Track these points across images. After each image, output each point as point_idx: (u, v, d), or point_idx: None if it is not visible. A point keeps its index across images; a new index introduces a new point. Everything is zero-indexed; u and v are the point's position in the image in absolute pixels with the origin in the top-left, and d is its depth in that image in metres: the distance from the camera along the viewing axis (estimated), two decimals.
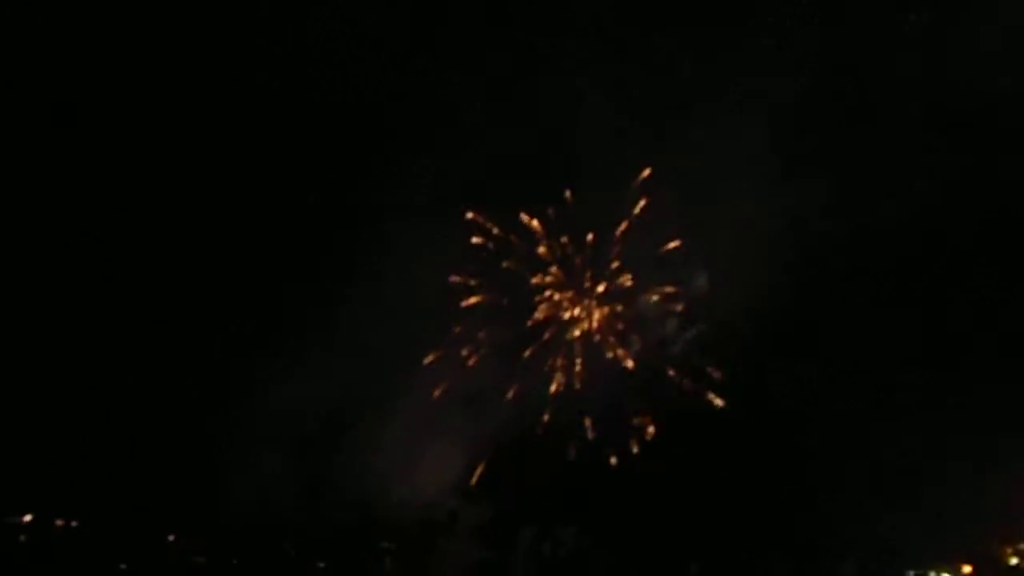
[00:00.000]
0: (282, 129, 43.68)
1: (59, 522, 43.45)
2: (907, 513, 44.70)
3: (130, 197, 43.36)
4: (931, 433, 45.13)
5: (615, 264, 45.36)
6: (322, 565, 43.74)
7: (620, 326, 45.75)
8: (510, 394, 43.72)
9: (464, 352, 44.06)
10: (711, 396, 43.90)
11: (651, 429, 43.95)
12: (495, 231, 44.58)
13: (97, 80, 42.44)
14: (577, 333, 45.18)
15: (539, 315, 45.20)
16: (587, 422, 43.99)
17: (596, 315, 45.43)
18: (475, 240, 44.69)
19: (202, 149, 43.19)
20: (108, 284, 43.14)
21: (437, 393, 43.51)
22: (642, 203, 44.24)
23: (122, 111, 42.98)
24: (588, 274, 45.50)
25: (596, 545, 43.71)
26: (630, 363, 44.85)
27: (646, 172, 44.14)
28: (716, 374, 44.40)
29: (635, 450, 43.66)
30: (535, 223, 44.67)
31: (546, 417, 43.72)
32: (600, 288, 45.44)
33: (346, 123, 44.45)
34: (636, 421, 43.70)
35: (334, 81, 43.30)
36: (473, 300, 44.74)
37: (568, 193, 43.97)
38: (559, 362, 44.41)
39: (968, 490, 43.89)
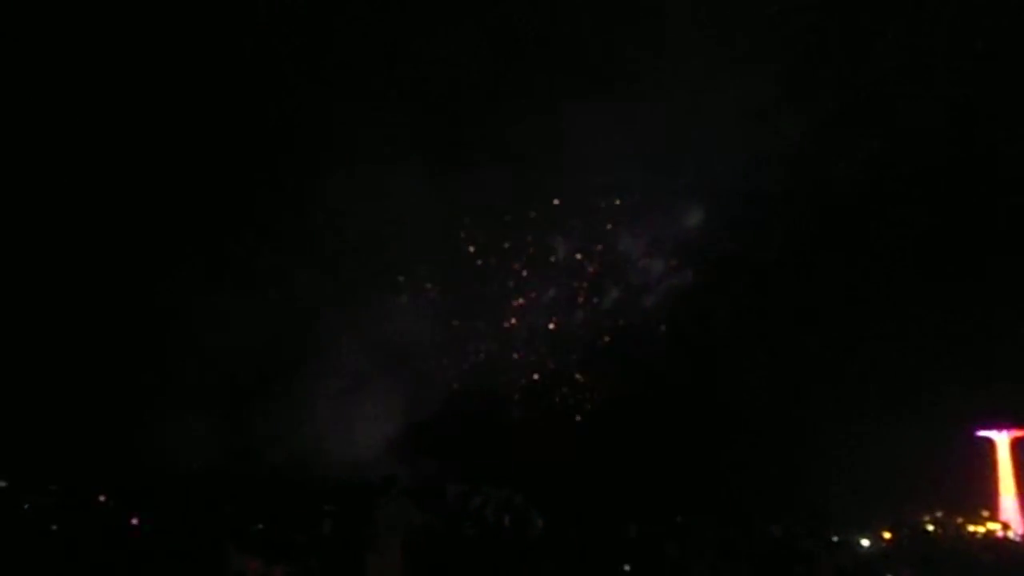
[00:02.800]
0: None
1: None
2: (832, 482, 46.49)
3: (57, 151, 42.20)
4: (855, 407, 47.00)
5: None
6: (260, 526, 42.86)
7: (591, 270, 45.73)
8: (448, 352, 43.63)
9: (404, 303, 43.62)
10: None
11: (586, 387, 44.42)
12: None
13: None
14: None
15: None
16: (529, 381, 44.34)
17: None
18: None
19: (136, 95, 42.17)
20: (36, 240, 42.03)
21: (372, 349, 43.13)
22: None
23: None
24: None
25: (532, 506, 44.07)
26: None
27: None
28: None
29: (576, 415, 44.25)
30: None
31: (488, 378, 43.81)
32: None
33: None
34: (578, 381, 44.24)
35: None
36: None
37: None
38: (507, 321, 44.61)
39: (889, 462, 45.87)
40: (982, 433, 56.65)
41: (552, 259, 47.67)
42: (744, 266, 46.90)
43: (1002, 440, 56.84)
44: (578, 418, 45.71)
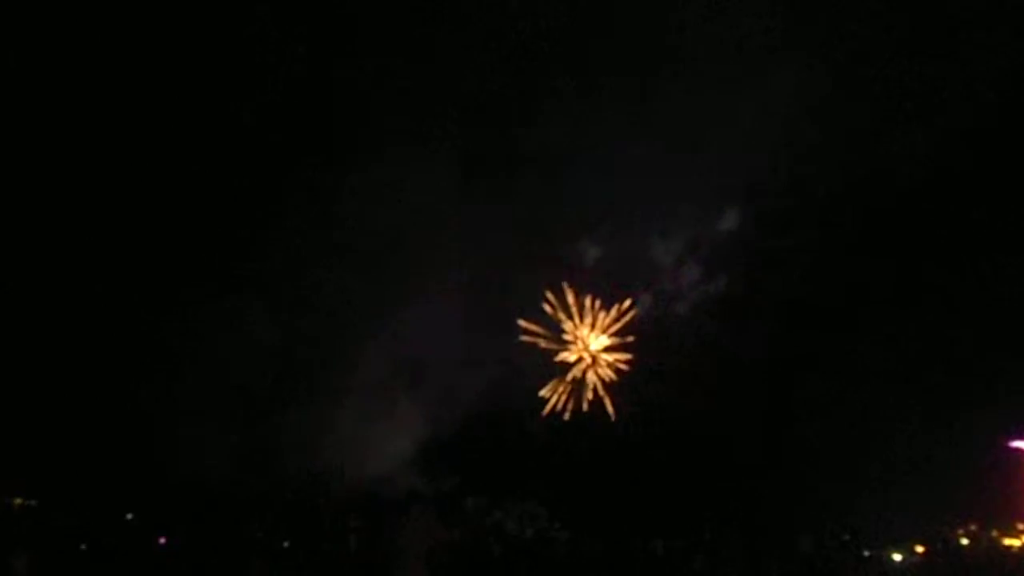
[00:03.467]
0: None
1: (18, 501, 42.65)
2: (862, 495, 45.74)
3: (58, 151, 42.05)
4: (889, 421, 46.30)
5: None
6: (286, 544, 43.15)
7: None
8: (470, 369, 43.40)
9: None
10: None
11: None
12: None
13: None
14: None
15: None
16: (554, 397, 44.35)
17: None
18: None
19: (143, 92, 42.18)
20: (40, 253, 41.74)
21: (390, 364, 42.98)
22: None
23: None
24: None
25: (556, 520, 43.92)
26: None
27: None
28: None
29: (598, 428, 44.11)
30: None
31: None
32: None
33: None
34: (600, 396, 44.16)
35: None
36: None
37: None
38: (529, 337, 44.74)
39: (922, 474, 45.08)
40: (1016, 444, 55.60)
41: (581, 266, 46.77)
42: (782, 269, 46.05)
43: None
44: (602, 428, 45.34)
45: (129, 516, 43.43)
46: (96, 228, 42.39)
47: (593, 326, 46.49)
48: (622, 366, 46.06)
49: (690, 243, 47.25)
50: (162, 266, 42.69)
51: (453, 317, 43.25)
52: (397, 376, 44.18)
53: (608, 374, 46.14)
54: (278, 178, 43.60)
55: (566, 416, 45.14)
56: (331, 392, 42.96)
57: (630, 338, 46.13)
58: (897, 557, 46.70)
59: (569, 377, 46.11)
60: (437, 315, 43.39)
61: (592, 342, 46.64)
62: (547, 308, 46.46)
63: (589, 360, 46.50)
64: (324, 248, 42.67)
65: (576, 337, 46.61)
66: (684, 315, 47.06)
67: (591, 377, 46.06)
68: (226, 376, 40.92)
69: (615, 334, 46.48)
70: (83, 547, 42.03)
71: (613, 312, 46.57)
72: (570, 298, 46.58)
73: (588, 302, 46.58)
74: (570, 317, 46.56)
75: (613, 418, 45.15)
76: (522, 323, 45.90)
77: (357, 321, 42.78)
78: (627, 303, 46.42)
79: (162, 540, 43.20)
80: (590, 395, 45.77)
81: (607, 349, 46.60)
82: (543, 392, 45.59)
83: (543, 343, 46.19)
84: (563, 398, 45.63)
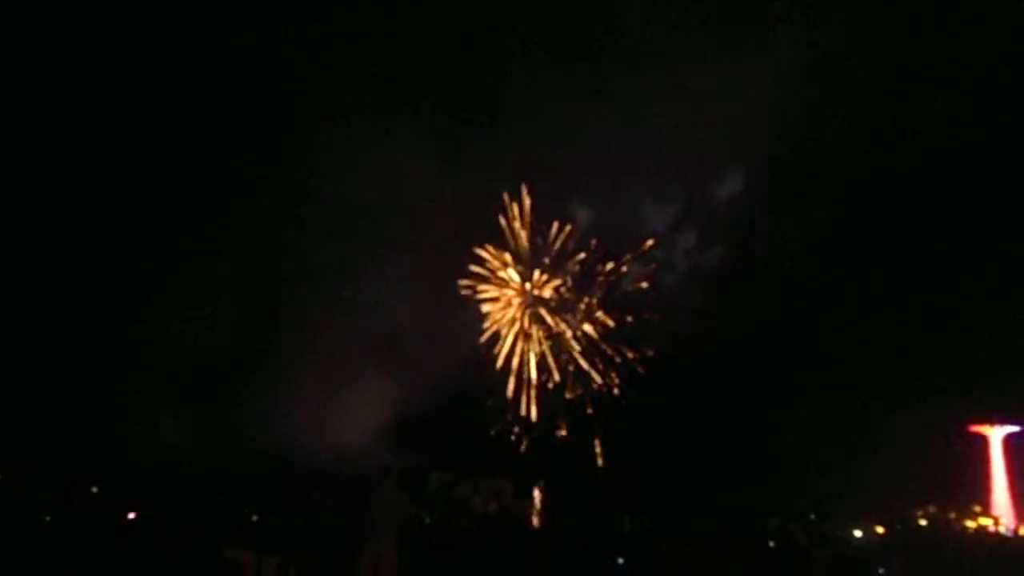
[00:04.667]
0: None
1: None
2: (829, 479, 46.55)
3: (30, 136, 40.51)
4: (849, 402, 46.96)
5: None
6: (255, 518, 42.71)
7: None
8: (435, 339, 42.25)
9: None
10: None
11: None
12: None
13: None
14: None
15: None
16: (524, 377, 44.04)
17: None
18: None
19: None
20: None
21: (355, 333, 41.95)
22: None
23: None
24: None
25: (522, 497, 43.82)
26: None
27: None
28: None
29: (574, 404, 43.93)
30: None
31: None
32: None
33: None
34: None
35: None
36: None
37: None
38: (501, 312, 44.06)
39: (883, 457, 45.95)
40: (975, 429, 56.96)
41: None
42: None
43: (995, 436, 57.19)
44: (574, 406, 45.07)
45: (94, 490, 42.74)
46: (52, 204, 41.08)
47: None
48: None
49: (686, 210, 45.73)
50: (120, 236, 41.42)
51: (424, 285, 41.74)
52: (364, 347, 43.12)
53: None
54: (237, 145, 41.87)
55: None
56: (294, 364, 41.97)
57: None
58: (857, 533, 47.79)
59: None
60: (405, 279, 41.70)
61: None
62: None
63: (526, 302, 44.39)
64: (286, 215, 40.99)
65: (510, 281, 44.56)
66: (671, 287, 45.84)
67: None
68: (186, 349, 39.86)
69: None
70: (47, 519, 41.44)
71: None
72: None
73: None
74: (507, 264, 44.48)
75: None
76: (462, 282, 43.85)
77: (321, 288, 41.12)
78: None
79: (131, 516, 42.61)
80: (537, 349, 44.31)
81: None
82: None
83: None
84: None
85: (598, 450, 43.47)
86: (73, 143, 40.85)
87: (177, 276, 40.76)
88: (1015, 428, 56.62)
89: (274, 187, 41.79)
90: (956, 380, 47.94)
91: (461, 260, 43.67)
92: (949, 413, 51.08)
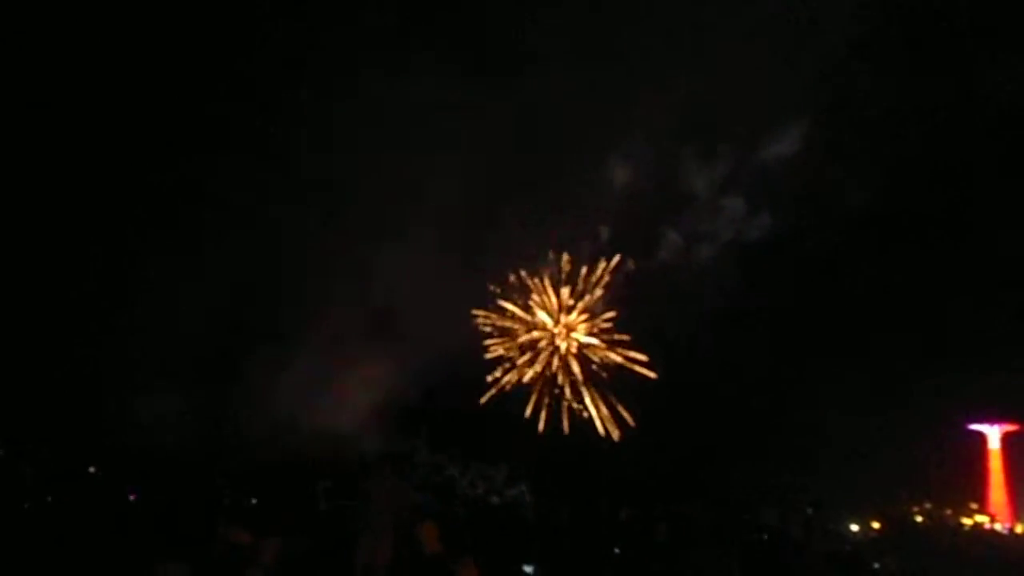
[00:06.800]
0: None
1: None
2: (827, 474, 46.65)
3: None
4: (848, 397, 46.98)
5: None
6: (254, 501, 42.67)
7: None
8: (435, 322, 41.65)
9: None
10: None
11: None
12: None
13: None
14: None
15: None
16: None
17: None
18: None
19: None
20: None
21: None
22: None
23: None
24: None
25: (518, 482, 43.75)
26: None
27: None
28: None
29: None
30: None
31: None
32: None
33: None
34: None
35: None
36: None
37: None
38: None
39: (881, 453, 46.03)
40: (973, 427, 57.03)
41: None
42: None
43: (992, 434, 57.26)
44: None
45: (92, 469, 42.79)
46: (43, 185, 40.47)
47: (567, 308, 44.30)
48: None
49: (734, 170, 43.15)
50: (114, 214, 40.61)
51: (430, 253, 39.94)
52: (365, 328, 42.13)
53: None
54: (231, 111, 40.19)
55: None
56: (292, 345, 41.28)
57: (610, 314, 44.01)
58: (853, 528, 47.97)
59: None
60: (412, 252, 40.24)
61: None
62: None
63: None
64: (282, 183, 39.59)
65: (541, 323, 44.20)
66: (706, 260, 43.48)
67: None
68: (184, 330, 39.27)
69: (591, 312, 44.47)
70: (49, 498, 41.57)
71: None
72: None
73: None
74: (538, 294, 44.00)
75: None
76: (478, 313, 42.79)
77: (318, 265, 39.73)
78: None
79: (131, 497, 42.70)
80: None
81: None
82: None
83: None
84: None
85: (601, 428, 43.17)
86: (64, 127, 40.35)
87: (175, 256, 40.14)
88: (1013, 426, 56.69)
89: (272, 155, 40.52)
90: (955, 377, 47.90)
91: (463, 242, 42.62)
92: (947, 410, 51.07)
